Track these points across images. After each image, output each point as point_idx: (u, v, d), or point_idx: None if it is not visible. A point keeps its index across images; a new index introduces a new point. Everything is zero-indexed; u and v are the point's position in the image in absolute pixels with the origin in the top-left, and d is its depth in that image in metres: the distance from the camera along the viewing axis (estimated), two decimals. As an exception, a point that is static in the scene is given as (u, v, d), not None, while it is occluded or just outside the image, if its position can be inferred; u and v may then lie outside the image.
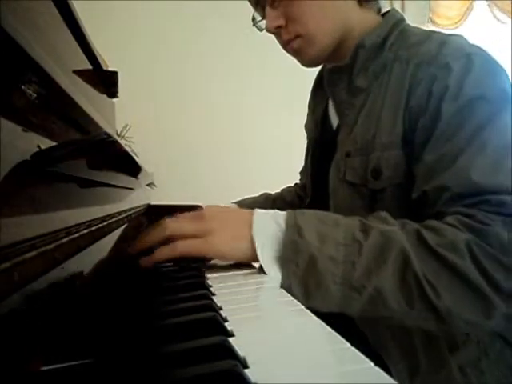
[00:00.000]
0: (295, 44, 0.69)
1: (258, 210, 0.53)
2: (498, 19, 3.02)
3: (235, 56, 2.59)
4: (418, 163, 0.59)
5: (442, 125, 0.57)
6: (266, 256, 0.49)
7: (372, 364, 0.26)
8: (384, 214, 0.54)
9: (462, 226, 0.49)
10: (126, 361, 0.27)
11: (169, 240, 0.51)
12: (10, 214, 0.25)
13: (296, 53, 0.71)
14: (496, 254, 0.47)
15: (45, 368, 0.26)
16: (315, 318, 0.35)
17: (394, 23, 0.69)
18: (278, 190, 1.12)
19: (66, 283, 0.35)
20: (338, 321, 0.55)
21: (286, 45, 0.71)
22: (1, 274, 0.23)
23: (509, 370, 0.62)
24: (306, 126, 0.95)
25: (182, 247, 0.50)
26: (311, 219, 0.50)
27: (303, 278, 0.47)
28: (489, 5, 3.05)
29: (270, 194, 1.10)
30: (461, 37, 0.65)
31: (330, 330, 0.32)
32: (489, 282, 0.47)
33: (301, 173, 1.09)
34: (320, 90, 0.86)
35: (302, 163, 1.07)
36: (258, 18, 0.74)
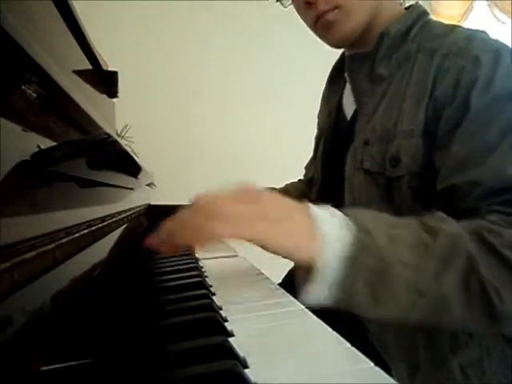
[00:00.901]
0: (331, 16, 0.67)
1: (311, 206, 0.44)
2: (498, 19, 3.02)
3: (236, 56, 2.59)
4: (445, 153, 0.59)
5: (471, 116, 0.57)
6: (329, 254, 0.42)
7: (372, 364, 0.26)
8: (441, 214, 0.50)
9: (509, 226, 0.48)
10: (125, 361, 0.27)
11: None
12: (10, 213, 0.25)
13: (329, 27, 0.68)
14: None
15: (45, 368, 0.26)
16: (315, 318, 0.35)
17: (417, 15, 0.69)
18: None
19: (65, 283, 0.35)
20: (339, 320, 0.55)
21: (319, 17, 0.68)
22: (1, 274, 0.23)
23: (510, 370, 0.62)
24: (318, 116, 0.95)
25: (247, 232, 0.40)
26: (376, 219, 0.46)
27: (370, 280, 0.43)
28: (489, 5, 3.05)
29: (274, 188, 1.09)
30: (485, 32, 0.65)
31: (330, 329, 0.32)
32: None
33: (306, 167, 1.08)
34: (335, 80, 0.87)
35: (304, 164, 1.07)
36: None
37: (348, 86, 0.78)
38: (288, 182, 1.12)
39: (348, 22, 0.67)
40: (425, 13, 0.71)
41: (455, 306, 0.44)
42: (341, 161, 0.73)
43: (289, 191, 1.06)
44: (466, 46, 0.61)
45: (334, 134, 0.83)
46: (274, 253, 0.41)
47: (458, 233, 0.46)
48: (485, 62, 0.58)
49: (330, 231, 0.42)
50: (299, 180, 1.11)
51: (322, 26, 0.69)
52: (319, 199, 0.85)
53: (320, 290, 0.42)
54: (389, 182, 0.64)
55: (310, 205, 0.44)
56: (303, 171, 1.10)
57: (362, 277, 0.42)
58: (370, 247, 0.43)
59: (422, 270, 0.44)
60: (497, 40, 0.63)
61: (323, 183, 0.85)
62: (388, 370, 0.61)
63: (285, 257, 0.41)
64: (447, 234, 0.45)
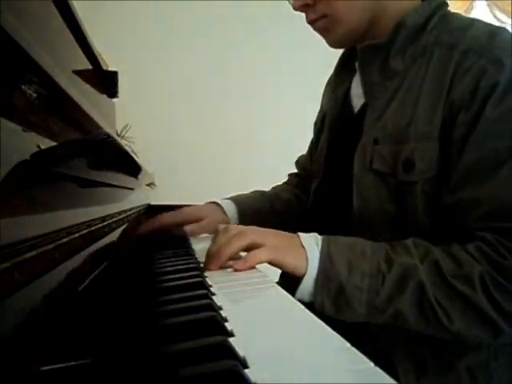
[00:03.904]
0: (320, 23, 0.69)
1: (301, 234, 0.58)
2: (498, 19, 3.02)
3: (234, 55, 2.59)
4: (457, 161, 0.58)
5: (484, 124, 0.56)
6: (309, 278, 0.55)
7: (372, 364, 0.26)
8: (409, 242, 0.57)
9: (481, 257, 0.53)
10: (125, 361, 0.27)
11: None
12: (9, 213, 0.25)
13: (321, 32, 0.71)
14: (508, 286, 0.51)
15: (45, 368, 0.26)
16: (315, 318, 0.35)
17: (436, 6, 0.66)
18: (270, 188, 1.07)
19: (66, 283, 0.35)
20: (341, 320, 0.55)
21: (311, 24, 0.70)
22: (1, 274, 0.23)
23: None
24: (323, 101, 0.91)
25: (272, 253, 0.55)
26: (342, 247, 0.56)
27: (334, 299, 0.55)
28: (489, 5, 3.05)
29: (264, 192, 1.02)
30: (506, 30, 0.62)
31: (330, 329, 0.32)
32: (499, 312, 0.51)
33: (297, 162, 1.04)
34: (344, 69, 0.83)
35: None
36: None
37: (357, 77, 0.75)
38: (274, 185, 1.07)
39: (338, 28, 0.68)
40: (444, 4, 0.67)
41: (411, 318, 0.54)
42: (346, 155, 0.70)
43: (279, 194, 1.01)
44: (488, 44, 0.59)
45: (340, 124, 0.80)
46: (282, 269, 0.56)
47: (413, 264, 0.54)
48: (507, 66, 0.56)
49: (311, 258, 0.55)
50: (284, 183, 1.06)
51: (316, 30, 0.71)
52: (320, 196, 0.82)
53: (305, 297, 0.56)
54: (401, 185, 0.63)
55: (300, 235, 0.58)
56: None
57: (326, 296, 0.55)
58: (331, 272, 0.54)
59: (376, 293, 0.54)
60: None
61: (325, 177, 0.81)
62: (395, 371, 0.60)
63: (288, 271, 0.56)
64: (402, 265, 0.54)
